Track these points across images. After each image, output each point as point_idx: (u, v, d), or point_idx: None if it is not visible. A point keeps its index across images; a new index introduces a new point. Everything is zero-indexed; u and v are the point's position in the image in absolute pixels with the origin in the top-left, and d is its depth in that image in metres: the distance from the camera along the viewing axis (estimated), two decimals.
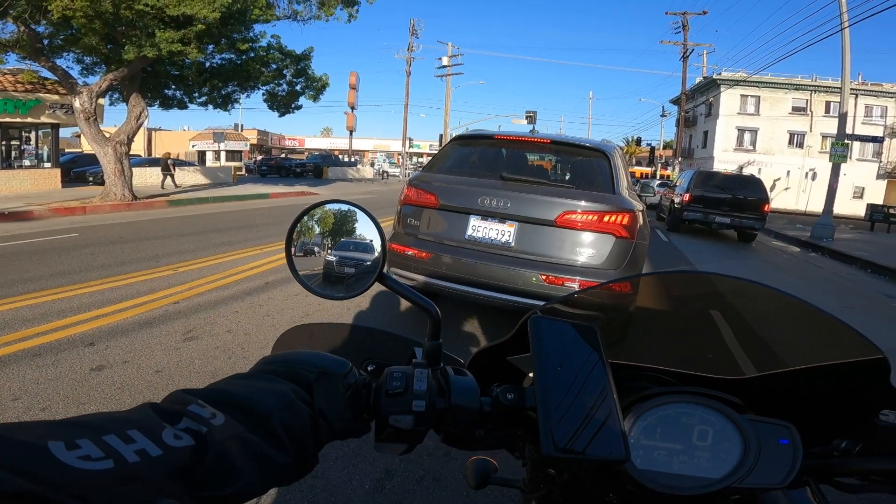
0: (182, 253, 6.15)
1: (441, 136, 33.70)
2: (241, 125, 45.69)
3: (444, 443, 0.53)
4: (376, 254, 0.64)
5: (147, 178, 17.52)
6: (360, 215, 0.68)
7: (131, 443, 0.30)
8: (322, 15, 12.62)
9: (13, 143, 14.12)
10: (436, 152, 4.12)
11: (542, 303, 0.66)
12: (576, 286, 3.00)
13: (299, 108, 15.83)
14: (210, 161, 35.80)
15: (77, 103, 11.33)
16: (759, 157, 32.15)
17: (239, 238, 7.54)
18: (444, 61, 32.86)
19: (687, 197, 12.31)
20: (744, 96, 32.74)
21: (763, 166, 30.80)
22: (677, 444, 0.53)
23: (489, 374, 0.56)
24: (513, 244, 3.27)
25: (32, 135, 14.56)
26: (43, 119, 14.20)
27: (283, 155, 41.76)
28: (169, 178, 16.79)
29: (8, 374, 2.69)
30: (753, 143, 32.90)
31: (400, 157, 37.81)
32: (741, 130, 33.04)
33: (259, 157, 36.14)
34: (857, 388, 0.54)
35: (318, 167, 30.17)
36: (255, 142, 45.88)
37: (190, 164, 21.80)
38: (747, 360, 0.60)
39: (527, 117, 31.41)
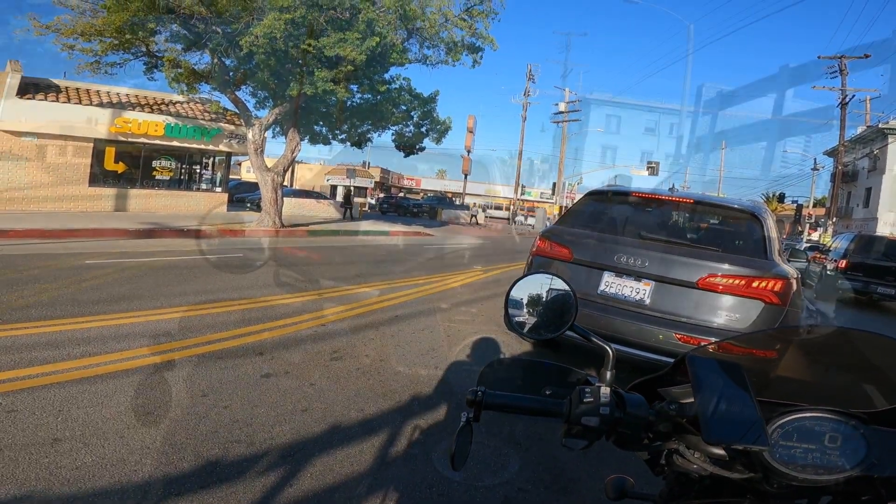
0: (322, 280, 6.92)
1: (555, 184, 33.38)
2: (368, 163, 50.06)
3: (615, 445, 0.73)
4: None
5: (289, 207, 19.88)
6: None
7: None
8: (449, 60, 13.52)
9: (194, 167, 16.68)
10: (545, 200, 4.23)
11: (671, 360, 0.81)
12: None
13: (423, 149, 16.65)
14: (340, 195, 39.59)
15: (250, 134, 13.12)
16: None
17: (369, 272, 8.26)
18: (561, 107, 32.16)
19: (843, 263, 10.80)
20: None
21: None
22: (811, 444, 0.64)
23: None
24: (647, 302, 3.22)
25: (210, 161, 16.94)
26: (221, 147, 16.21)
27: (401, 194, 44.75)
28: (350, 210, 20.93)
29: (199, 373, 3.24)
30: None
31: (512, 204, 37.84)
32: None
33: (380, 195, 39.17)
34: None
35: (433, 208, 32.00)
36: (377, 179, 49.88)
37: (325, 196, 24.44)
38: (879, 395, 0.73)
39: (648, 168, 30.15)
